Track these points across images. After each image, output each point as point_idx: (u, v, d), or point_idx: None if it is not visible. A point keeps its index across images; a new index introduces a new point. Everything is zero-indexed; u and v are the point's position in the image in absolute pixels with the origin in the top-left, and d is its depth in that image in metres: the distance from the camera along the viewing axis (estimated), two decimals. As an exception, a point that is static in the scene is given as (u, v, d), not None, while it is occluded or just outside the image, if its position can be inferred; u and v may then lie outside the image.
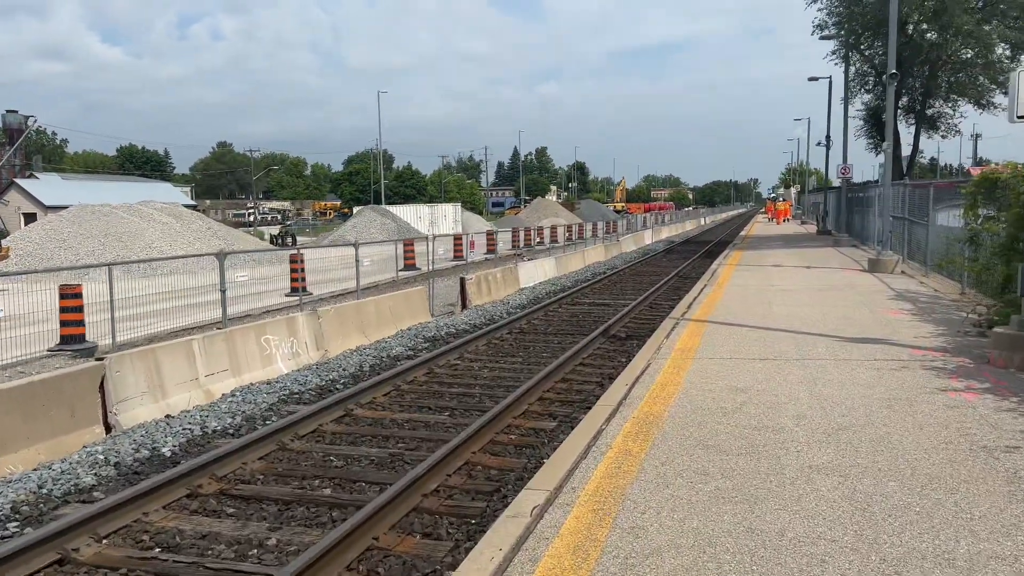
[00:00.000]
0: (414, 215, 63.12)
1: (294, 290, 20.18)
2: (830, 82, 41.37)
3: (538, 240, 43.70)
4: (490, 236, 37.85)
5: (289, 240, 53.51)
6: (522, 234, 42.69)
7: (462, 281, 18.89)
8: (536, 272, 24.53)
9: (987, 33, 23.86)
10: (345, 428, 7.64)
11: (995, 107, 28.13)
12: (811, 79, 41.47)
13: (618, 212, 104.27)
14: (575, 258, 30.40)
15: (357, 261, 15.32)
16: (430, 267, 18.44)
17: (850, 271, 18.32)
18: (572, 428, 6.94)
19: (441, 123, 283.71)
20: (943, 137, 32.65)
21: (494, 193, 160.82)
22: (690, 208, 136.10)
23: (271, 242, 52.76)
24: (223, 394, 9.46)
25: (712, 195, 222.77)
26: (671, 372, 8.05)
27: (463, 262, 30.45)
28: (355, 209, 68.38)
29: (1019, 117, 7.65)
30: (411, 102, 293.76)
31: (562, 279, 24.31)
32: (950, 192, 17.45)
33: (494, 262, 31.59)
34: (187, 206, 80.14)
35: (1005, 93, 27.75)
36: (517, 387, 8.91)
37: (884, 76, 17.57)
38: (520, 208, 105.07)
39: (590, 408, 7.08)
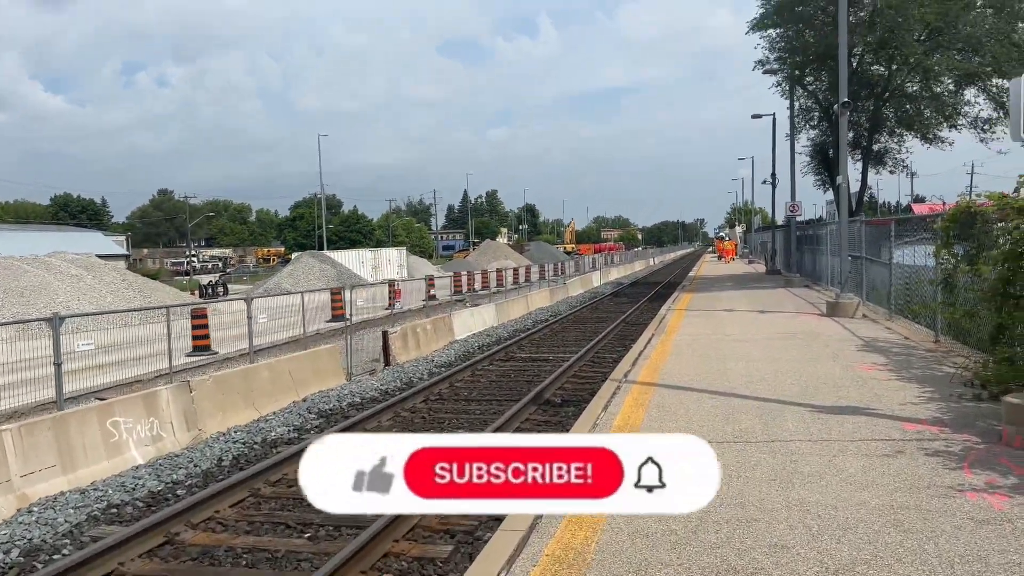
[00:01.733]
0: (356, 260, 60.86)
1: (196, 349, 17.99)
2: (774, 119, 40.82)
3: (482, 284, 41.86)
4: (430, 281, 35.90)
5: (220, 290, 50.85)
6: (465, 278, 40.80)
7: (384, 335, 16.90)
8: (473, 321, 22.65)
9: (933, 64, 23.10)
10: (158, 567, 5.58)
11: (942, 141, 27.46)
12: (755, 116, 40.87)
13: (568, 253, 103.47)
14: (517, 304, 28.62)
15: (250, 318, 13.23)
16: (347, 320, 16.44)
17: (808, 315, 16.84)
18: (471, 557, 5.04)
19: (392, 167, 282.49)
20: (891, 173, 31.99)
21: (444, 236, 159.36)
22: (639, 248, 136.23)
23: (201, 293, 50.00)
24: (35, 502, 7.28)
25: (660, 235, 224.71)
26: (605, 467, 6.18)
27: (399, 310, 28.49)
28: (294, 255, 65.83)
29: (1027, 134, 6.10)
30: (361, 147, 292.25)
31: (500, 329, 22.44)
32: (909, 228, 16.19)
33: (434, 309, 29.67)
34: (118, 256, 76.74)
35: (953, 127, 27.16)
36: (414, 484, 6.95)
37: (836, 106, 16.35)
38: (469, 251, 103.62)
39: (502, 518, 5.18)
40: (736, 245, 70.59)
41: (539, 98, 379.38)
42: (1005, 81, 24.59)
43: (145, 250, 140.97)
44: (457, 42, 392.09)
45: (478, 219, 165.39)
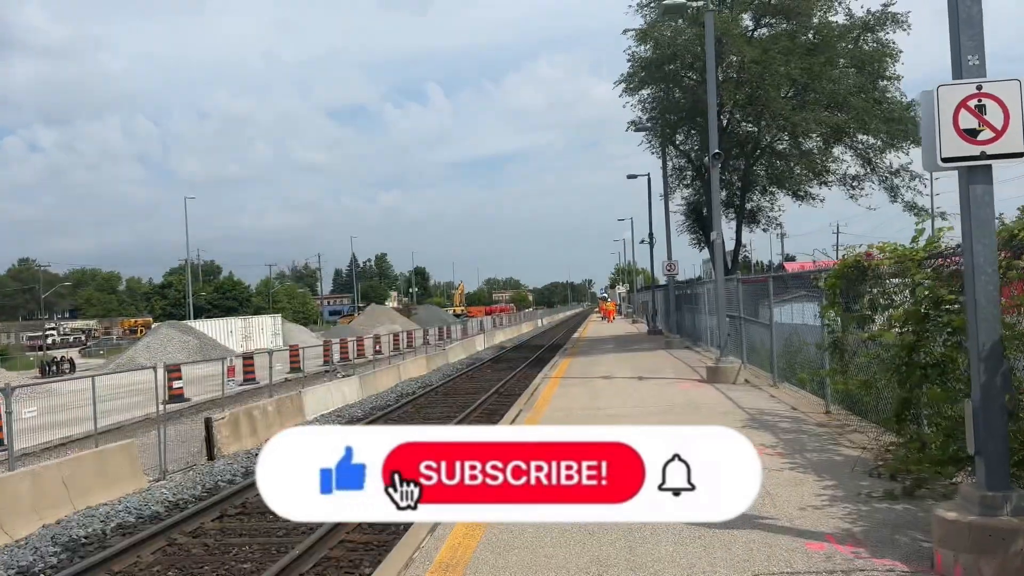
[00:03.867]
0: (224, 330, 56.83)
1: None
2: (649, 180, 40.74)
3: (357, 352, 39.19)
4: (293, 351, 33.05)
5: (66, 367, 45.85)
6: (336, 347, 38.03)
7: (207, 423, 14.31)
8: (330, 398, 20.19)
9: (801, 120, 22.95)
10: None
11: (813, 198, 27.48)
12: (630, 176, 40.78)
13: (457, 316, 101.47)
14: (387, 375, 26.32)
15: (9, 414, 10.49)
16: (157, 407, 13.76)
17: (689, 383, 15.43)
18: None
19: (279, 232, 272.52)
20: (764, 231, 31.97)
21: (332, 302, 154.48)
22: (529, 309, 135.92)
23: (42, 370, 44.87)
24: None
25: (551, 296, 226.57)
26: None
27: (255, 385, 25.61)
28: (153, 326, 61.01)
29: (945, 160, 4.65)
30: (246, 212, 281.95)
31: (360, 406, 20.07)
32: (786, 285, 15.23)
33: (298, 383, 26.93)
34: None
35: (823, 183, 27.21)
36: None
37: (707, 158, 15.34)
38: (353, 316, 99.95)
39: None
40: (616, 305, 72.14)
41: (430, 163, 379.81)
42: (871, 137, 24.82)
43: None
44: (347, 108, 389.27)
45: (367, 283, 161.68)
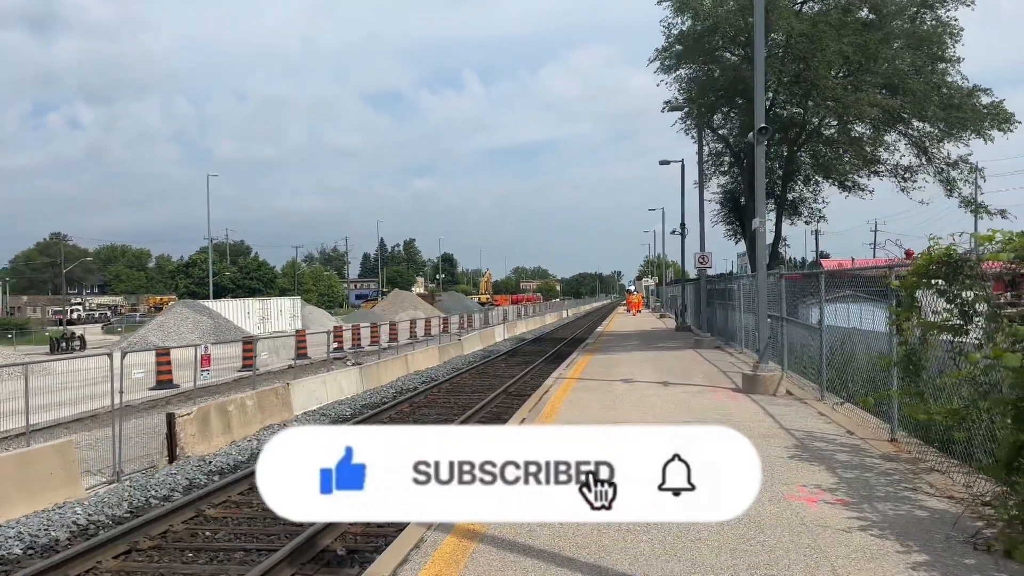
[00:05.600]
0: (241, 311, 55.71)
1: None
2: (683, 166, 38.55)
3: (371, 339, 37.61)
4: (300, 337, 31.55)
5: (76, 344, 44.88)
6: (348, 333, 36.48)
7: (170, 419, 12.65)
8: (324, 391, 18.53)
9: (854, 102, 20.68)
10: None
11: (861, 189, 25.17)
12: (663, 162, 38.63)
13: (483, 304, 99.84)
14: (392, 366, 24.60)
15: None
16: (112, 399, 12.08)
17: (721, 392, 13.46)
18: None
19: (311, 215, 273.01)
20: (807, 223, 29.71)
21: (359, 286, 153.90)
22: (557, 299, 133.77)
23: (52, 347, 43.96)
24: None
25: (579, 286, 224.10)
26: None
27: (252, 371, 24.01)
28: (168, 304, 60.04)
29: None
30: (280, 194, 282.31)
31: (354, 401, 18.35)
32: (835, 283, 13.20)
33: (303, 370, 25.38)
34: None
35: (874, 173, 24.89)
36: None
37: (751, 134, 13.36)
38: (376, 301, 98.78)
39: None
40: (642, 298, 71.14)
41: (463, 151, 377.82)
42: (927, 125, 22.52)
43: (25, 297, 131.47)
44: (383, 94, 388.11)
45: (395, 268, 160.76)
